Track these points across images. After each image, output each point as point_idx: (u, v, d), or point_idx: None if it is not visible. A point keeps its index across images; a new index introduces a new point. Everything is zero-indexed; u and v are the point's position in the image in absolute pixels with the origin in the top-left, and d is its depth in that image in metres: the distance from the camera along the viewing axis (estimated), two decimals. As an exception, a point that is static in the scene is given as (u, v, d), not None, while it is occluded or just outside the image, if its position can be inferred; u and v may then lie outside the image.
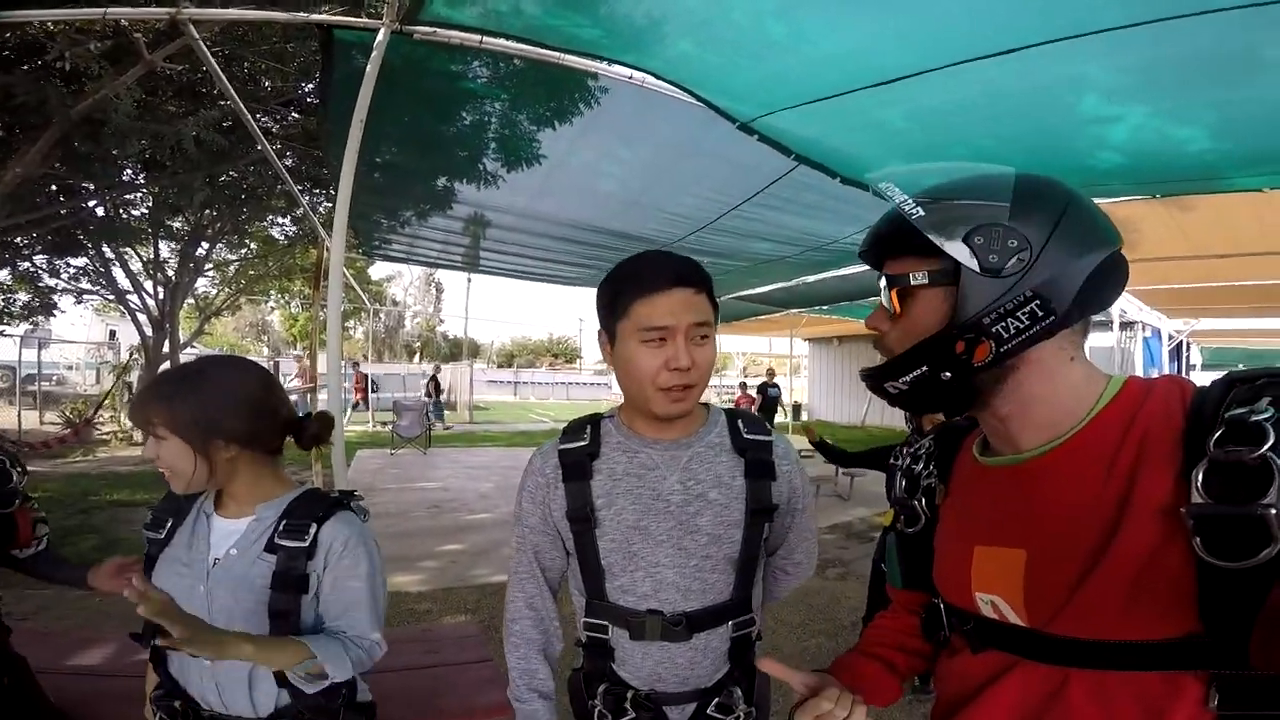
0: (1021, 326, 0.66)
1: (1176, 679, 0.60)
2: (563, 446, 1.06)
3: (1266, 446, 0.54)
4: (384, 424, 13.33)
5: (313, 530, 1.09)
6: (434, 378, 16.47)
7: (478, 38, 2.51)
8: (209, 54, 2.43)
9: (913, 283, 0.71)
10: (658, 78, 2.74)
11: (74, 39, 3.56)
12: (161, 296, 9.92)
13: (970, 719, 0.73)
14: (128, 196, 6.93)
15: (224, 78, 2.65)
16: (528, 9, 2.28)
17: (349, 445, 7.12)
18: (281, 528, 1.09)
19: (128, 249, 8.81)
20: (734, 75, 2.51)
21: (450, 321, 50.02)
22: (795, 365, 20.57)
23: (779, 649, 3.44)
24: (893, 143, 3.03)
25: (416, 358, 42.22)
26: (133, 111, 3.65)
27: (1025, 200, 0.67)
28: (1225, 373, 0.64)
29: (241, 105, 3.02)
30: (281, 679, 1.07)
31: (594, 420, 1.08)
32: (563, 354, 51.52)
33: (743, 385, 14.65)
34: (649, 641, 0.99)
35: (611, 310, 0.99)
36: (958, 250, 0.66)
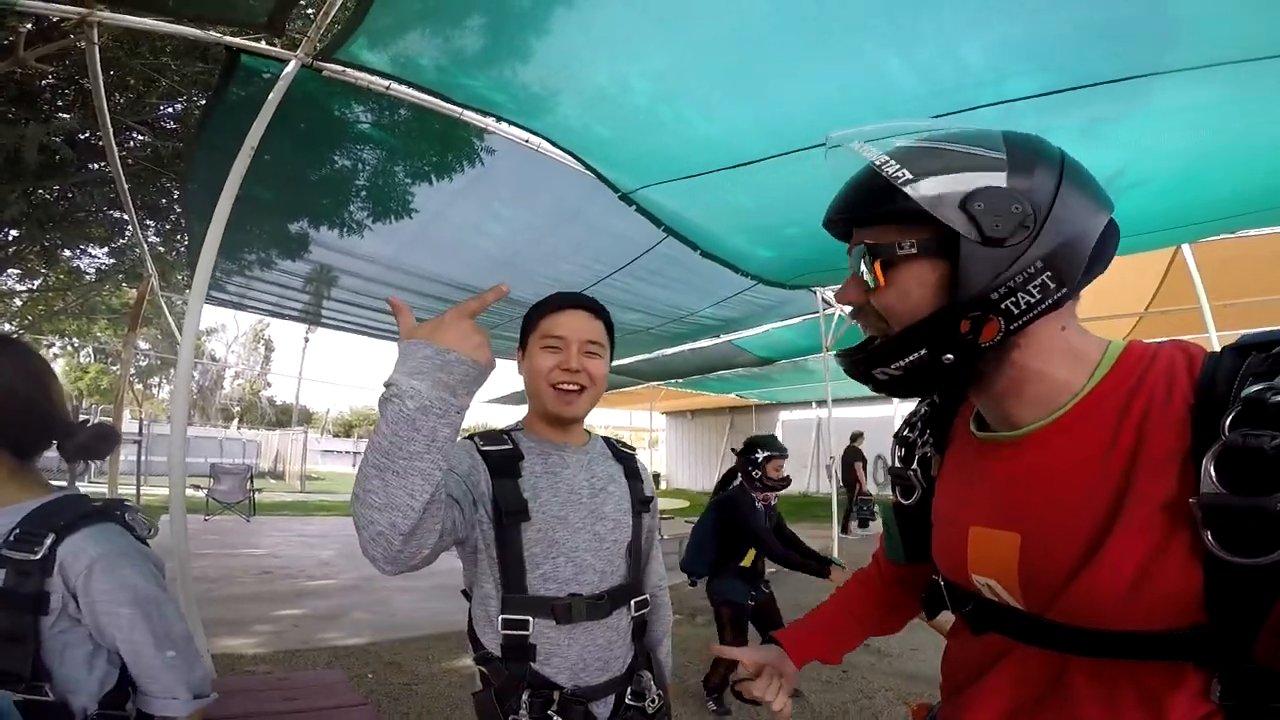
0: (1033, 300, 0.60)
1: (1177, 668, 0.57)
2: (484, 448, 1.10)
3: None
4: (196, 487, 11.80)
5: (48, 542, 0.93)
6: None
7: (385, 83, 2.66)
8: (99, 63, 2.33)
9: (899, 253, 0.63)
10: (551, 143, 3.06)
11: None
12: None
13: (973, 700, 0.71)
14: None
15: (102, 90, 2.52)
16: (441, 62, 2.48)
17: (151, 509, 6.18)
18: (12, 538, 0.93)
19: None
20: (621, 149, 2.90)
21: (279, 384, 45.54)
22: (654, 439, 21.27)
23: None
24: (741, 220, 3.58)
25: (235, 423, 37.77)
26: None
27: (1022, 158, 0.61)
28: (1238, 336, 0.59)
29: (109, 120, 2.86)
30: None
31: (505, 431, 1.17)
32: (410, 425, 48.37)
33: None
34: (574, 624, 1.06)
35: (526, 327, 1.20)
36: (956, 219, 0.59)
